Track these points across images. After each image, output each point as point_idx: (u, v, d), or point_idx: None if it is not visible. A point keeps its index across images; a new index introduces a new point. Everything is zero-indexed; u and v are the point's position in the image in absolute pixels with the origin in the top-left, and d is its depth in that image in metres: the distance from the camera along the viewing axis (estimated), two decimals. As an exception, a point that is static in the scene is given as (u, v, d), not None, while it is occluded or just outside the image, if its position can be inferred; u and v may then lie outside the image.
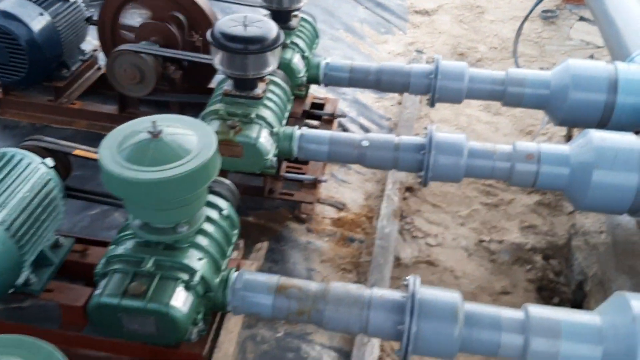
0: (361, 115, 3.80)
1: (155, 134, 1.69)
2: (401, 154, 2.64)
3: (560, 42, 4.66)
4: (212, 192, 2.08)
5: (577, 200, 2.54)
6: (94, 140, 1.88)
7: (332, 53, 4.24)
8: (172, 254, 1.81)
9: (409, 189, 3.27)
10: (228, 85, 2.61)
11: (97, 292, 1.79)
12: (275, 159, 2.55)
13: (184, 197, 1.72)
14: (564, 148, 2.57)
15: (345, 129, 3.64)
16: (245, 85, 2.57)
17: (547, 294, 2.82)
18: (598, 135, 2.49)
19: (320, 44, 4.24)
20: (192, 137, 1.75)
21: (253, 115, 2.50)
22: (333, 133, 2.73)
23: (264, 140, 2.47)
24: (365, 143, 2.66)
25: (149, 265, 1.77)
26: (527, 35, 4.69)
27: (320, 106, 3.50)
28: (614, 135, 2.52)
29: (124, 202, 1.83)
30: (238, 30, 2.44)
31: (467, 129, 3.76)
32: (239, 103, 2.56)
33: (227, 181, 2.18)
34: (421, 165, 2.61)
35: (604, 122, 2.99)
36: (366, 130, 3.70)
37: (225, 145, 2.45)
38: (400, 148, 2.64)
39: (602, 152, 2.45)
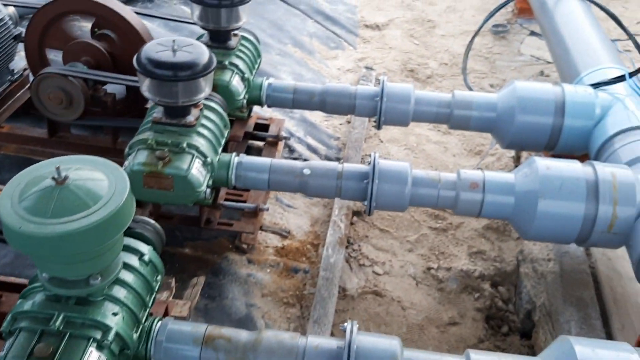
0: (309, 135, 3.68)
1: (60, 181, 1.53)
2: (344, 183, 2.53)
3: (511, 58, 4.64)
4: (131, 234, 1.92)
5: (523, 230, 2.47)
6: (23, 165, 1.72)
7: (279, 69, 4.12)
8: (83, 310, 1.65)
9: (357, 213, 3.17)
10: (158, 113, 2.45)
11: (1, 354, 1.62)
12: (209, 190, 2.41)
13: (94, 250, 1.56)
14: (509, 176, 2.50)
15: (292, 150, 3.52)
16: (176, 113, 2.41)
17: (495, 323, 2.74)
18: (543, 164, 2.43)
19: (268, 60, 4.13)
20: (102, 181, 1.59)
21: (184, 145, 2.34)
22: (273, 161, 2.60)
23: (196, 171, 2.32)
24: (307, 171, 2.54)
25: (58, 323, 1.60)
26: (478, 50, 4.66)
27: (265, 127, 3.37)
28: (560, 164, 2.46)
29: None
30: (166, 55, 2.29)
31: (416, 149, 3.69)
32: (169, 131, 2.40)
33: (151, 220, 2.03)
34: (365, 194, 2.51)
35: (551, 145, 2.95)
36: (314, 150, 3.59)
37: (153, 178, 2.30)
38: (344, 176, 2.53)
39: (548, 182, 2.38)
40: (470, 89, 3.79)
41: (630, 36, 3.70)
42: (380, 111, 3.00)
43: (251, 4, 2.97)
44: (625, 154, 2.59)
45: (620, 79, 2.93)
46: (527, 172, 2.46)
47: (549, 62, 4.46)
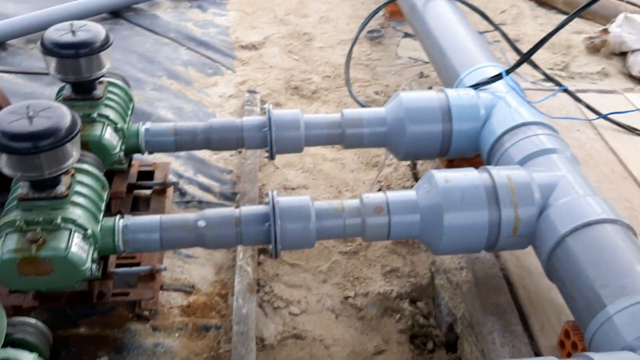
0: (199, 173, 3.47)
1: None
2: (244, 229, 2.36)
3: (390, 62, 4.66)
4: (11, 341, 1.65)
5: (433, 246, 2.43)
6: None
7: (157, 106, 3.87)
8: None
9: (264, 250, 3.01)
10: (23, 188, 2.16)
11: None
12: (95, 265, 2.15)
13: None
14: (411, 194, 2.45)
15: (183, 193, 3.30)
16: (43, 185, 2.14)
17: (420, 341, 2.70)
18: (441, 178, 2.40)
19: (142, 97, 3.87)
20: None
21: (59, 220, 2.07)
22: (163, 217, 2.38)
23: (77, 248, 2.06)
24: (201, 223, 2.35)
25: None
26: (358, 59, 4.64)
27: (150, 174, 3.13)
28: (457, 174, 2.44)
29: None
30: (21, 125, 2.01)
31: (313, 170, 3.58)
32: (39, 207, 2.12)
33: (31, 320, 1.76)
34: (268, 237, 2.35)
35: (444, 151, 2.96)
36: (207, 189, 3.38)
37: (29, 264, 2.02)
38: (242, 222, 2.37)
39: (449, 195, 2.35)
40: (356, 100, 3.75)
41: (497, 28, 3.81)
42: (271, 141, 2.86)
43: (116, 38, 2.72)
44: (516, 153, 2.62)
45: (498, 77, 2.98)
46: (427, 187, 2.42)
47: (426, 62, 4.52)
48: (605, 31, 4.66)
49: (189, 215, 2.40)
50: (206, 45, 4.67)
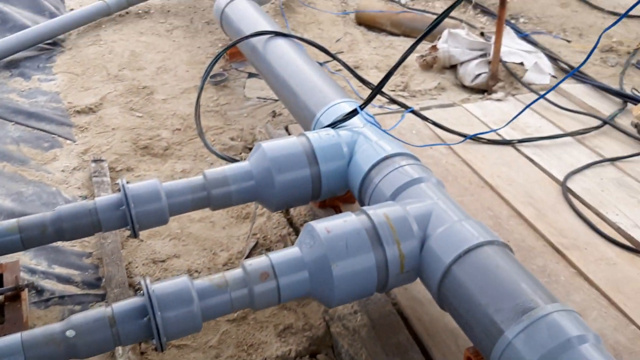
0: (55, 264, 3.10)
1: None
2: (121, 328, 2.12)
3: (240, 105, 4.57)
4: None
5: (326, 300, 2.36)
6: None
7: (-10, 195, 3.42)
8: None
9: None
10: None
11: None
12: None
13: None
14: (295, 252, 2.36)
15: (40, 290, 2.92)
16: None
17: (329, 396, 2.60)
18: (322, 228, 2.34)
19: (-30, 190, 3.40)
20: None
21: None
22: (24, 334, 2.06)
23: None
24: (70, 333, 2.07)
25: None
26: (206, 106, 4.49)
27: (-3, 278, 2.74)
28: (336, 222, 2.39)
29: None
30: None
31: (182, 235, 3.36)
32: None
33: None
34: (150, 331, 2.13)
35: (316, 194, 2.92)
36: (66, 280, 3.03)
37: None
38: (117, 321, 2.12)
39: (333, 245, 2.30)
40: (212, 151, 3.58)
41: (337, 59, 3.89)
42: (132, 219, 2.63)
43: None
44: (386, 187, 2.64)
45: (354, 113, 3.00)
46: (310, 242, 2.34)
47: (276, 100, 4.49)
48: (434, 48, 4.96)
49: (54, 326, 2.10)
50: (37, 116, 4.24)
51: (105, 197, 2.69)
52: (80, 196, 3.59)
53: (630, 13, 5.50)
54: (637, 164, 3.61)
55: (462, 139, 3.73)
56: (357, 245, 2.32)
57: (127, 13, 5.85)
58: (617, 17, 5.70)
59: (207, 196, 2.78)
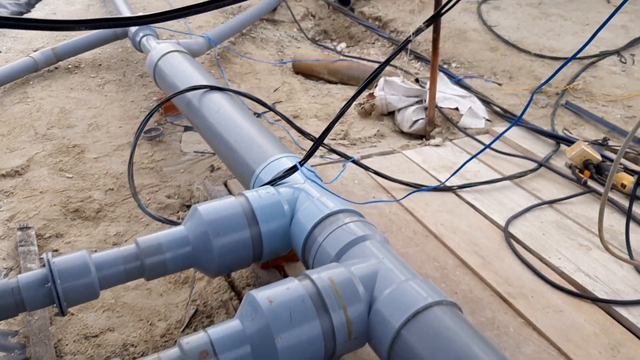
0: (-26, 347, 2.83)
1: None
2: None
3: (176, 160, 4.43)
4: None
5: (272, 374, 2.21)
6: None
7: None
8: None
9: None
10: None
11: None
12: None
13: None
14: (235, 325, 2.21)
15: (-44, 379, 2.65)
16: None
17: None
18: (264, 298, 2.21)
19: None
20: None
21: None
22: None
23: None
24: None
25: None
26: (140, 163, 4.33)
27: None
28: (279, 289, 2.27)
29: None
30: None
31: (115, 306, 3.16)
32: None
33: None
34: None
35: (258, 256, 2.80)
36: (-12, 364, 2.77)
37: None
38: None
39: (276, 315, 2.17)
40: (146, 212, 3.41)
41: (275, 111, 3.84)
42: (58, 296, 2.43)
43: None
44: (331, 247, 2.55)
45: (294, 169, 2.93)
46: (251, 314, 2.21)
47: (213, 154, 4.38)
48: (372, 95, 4.99)
49: None
50: (-44, 182, 3.98)
51: (29, 274, 2.48)
52: (5, 268, 3.34)
53: (556, 55, 5.71)
54: (575, 206, 3.67)
55: (404, 187, 3.71)
56: (302, 314, 2.20)
57: (56, 68, 5.65)
58: (543, 59, 5.91)
59: (140, 266, 2.62)
